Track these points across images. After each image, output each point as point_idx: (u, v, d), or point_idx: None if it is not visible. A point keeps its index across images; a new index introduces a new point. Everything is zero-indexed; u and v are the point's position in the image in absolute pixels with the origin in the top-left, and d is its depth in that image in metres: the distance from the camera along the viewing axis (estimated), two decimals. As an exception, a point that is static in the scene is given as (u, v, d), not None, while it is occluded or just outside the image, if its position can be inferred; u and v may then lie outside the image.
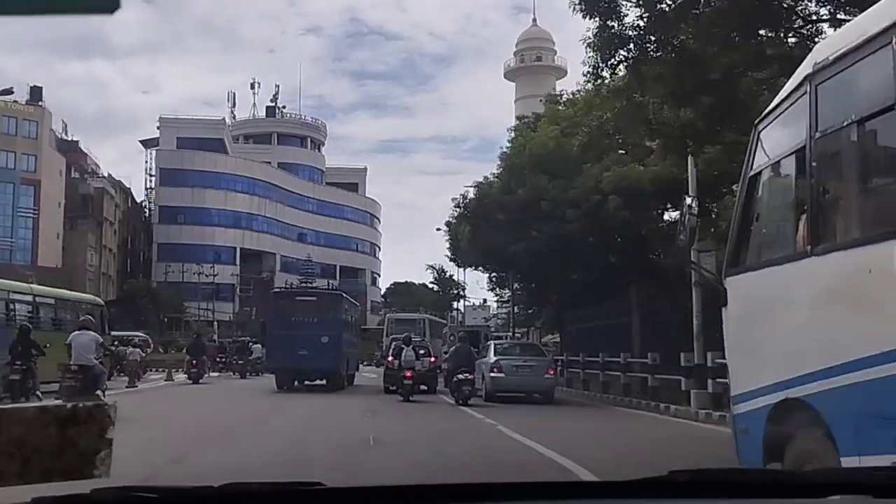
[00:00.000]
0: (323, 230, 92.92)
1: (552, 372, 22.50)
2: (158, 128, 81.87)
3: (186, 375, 30.58)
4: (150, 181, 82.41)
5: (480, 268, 29.67)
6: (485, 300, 73.91)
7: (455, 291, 65.97)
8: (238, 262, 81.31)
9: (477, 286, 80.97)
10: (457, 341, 27.49)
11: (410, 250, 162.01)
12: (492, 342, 25.72)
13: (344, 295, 27.98)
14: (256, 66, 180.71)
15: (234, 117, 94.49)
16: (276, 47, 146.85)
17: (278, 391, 23.48)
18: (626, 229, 20.43)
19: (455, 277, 67.04)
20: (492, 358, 21.88)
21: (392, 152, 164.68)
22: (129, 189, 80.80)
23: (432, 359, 24.69)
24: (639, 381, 18.45)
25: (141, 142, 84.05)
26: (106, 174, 75.39)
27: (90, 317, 17.52)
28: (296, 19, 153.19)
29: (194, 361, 30.42)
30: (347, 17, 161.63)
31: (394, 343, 24.43)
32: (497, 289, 36.24)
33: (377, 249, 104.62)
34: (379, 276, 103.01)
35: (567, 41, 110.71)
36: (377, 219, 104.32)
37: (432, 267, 67.58)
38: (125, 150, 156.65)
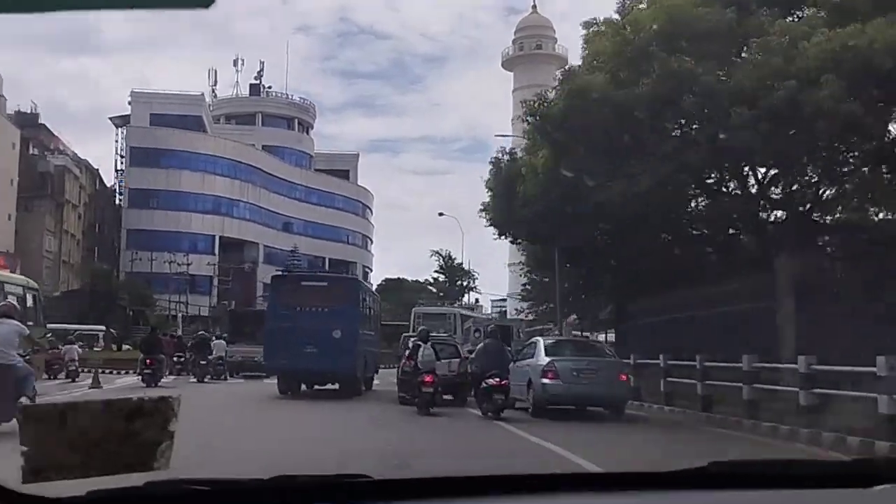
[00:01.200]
0: (311, 219, 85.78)
1: (625, 377, 16.77)
2: (130, 103, 74.42)
3: (140, 378, 24.88)
4: (121, 162, 75.11)
5: (531, 236, 22.03)
6: (477, 300, 66.62)
7: (464, 282, 58.83)
8: (217, 251, 74.04)
9: (507, 269, 70.59)
10: (483, 337, 22.06)
11: (399, 250, 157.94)
12: (539, 339, 19.21)
13: (361, 281, 23.84)
14: (246, 63, 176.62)
15: (214, 96, 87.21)
16: (266, 45, 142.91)
17: (256, 401, 19.21)
18: (856, 135, 12.75)
19: (465, 266, 60.25)
20: (542, 359, 16.75)
21: (381, 152, 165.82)
22: (97, 170, 73.46)
23: (459, 359, 18.77)
24: (821, 400, 11.35)
25: (111, 119, 76.57)
26: (70, 152, 67.95)
27: (13, 302, 13.60)
28: (286, 18, 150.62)
29: (148, 360, 24.60)
30: (338, 17, 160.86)
31: (410, 341, 18.70)
32: (533, 272, 29.31)
33: (369, 242, 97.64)
34: (371, 270, 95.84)
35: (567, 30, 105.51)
36: (369, 209, 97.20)
37: (438, 253, 60.24)
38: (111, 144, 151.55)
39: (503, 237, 23.63)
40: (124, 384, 26.77)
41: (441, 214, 58.71)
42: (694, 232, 20.11)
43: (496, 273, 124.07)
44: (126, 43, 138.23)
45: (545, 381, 16.12)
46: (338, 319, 19.83)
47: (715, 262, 16.34)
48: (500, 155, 20.91)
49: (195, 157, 73.02)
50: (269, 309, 21.95)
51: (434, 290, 61.77)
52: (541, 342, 18.24)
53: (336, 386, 20.84)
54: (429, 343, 17.15)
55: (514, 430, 13.53)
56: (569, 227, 17.90)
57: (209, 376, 27.12)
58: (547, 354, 17.21)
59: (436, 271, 61.89)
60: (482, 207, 22.86)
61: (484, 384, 15.64)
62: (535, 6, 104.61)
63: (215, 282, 72.36)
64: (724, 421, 13.56)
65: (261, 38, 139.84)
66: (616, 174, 14.49)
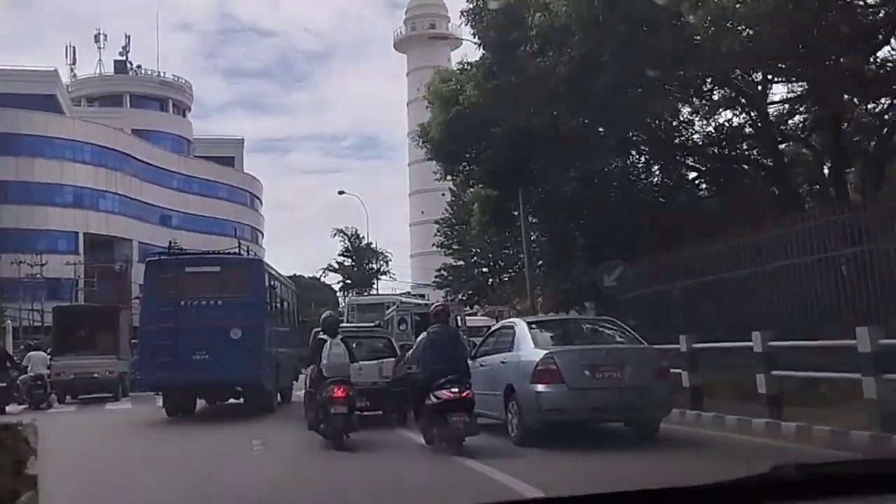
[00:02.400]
0: (192, 212, 76.61)
1: (666, 373, 10.62)
2: (-34, 81, 63.71)
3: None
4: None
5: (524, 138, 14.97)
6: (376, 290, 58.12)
7: (375, 265, 51.04)
8: (81, 250, 64.32)
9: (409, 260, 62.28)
10: (412, 327, 15.89)
11: (292, 249, 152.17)
12: (518, 320, 12.58)
13: (267, 263, 18.95)
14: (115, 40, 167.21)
15: (73, 76, 76.94)
16: (145, 44, 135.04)
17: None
18: None
19: (375, 246, 52.48)
20: (531, 352, 10.58)
21: (269, 151, 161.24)
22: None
23: (395, 359, 13.10)
24: None
25: (-53, 102, 65.58)
26: None
27: None
28: (164, 15, 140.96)
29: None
30: (219, 13, 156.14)
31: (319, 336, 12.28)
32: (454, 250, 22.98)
33: (260, 235, 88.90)
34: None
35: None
36: (258, 199, 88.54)
37: (342, 232, 52.26)
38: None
39: (454, 176, 16.91)
40: None
41: (341, 193, 51.00)
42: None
43: (397, 266, 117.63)
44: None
45: (541, 387, 10.03)
46: (237, 314, 15.92)
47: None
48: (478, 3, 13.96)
49: (50, 142, 63.00)
50: (143, 305, 17.45)
51: (339, 276, 53.75)
52: (522, 325, 11.53)
53: (241, 400, 17.16)
54: (339, 337, 11.46)
55: (493, 475, 8.07)
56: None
57: (27, 404, 19.12)
58: (538, 344, 10.66)
59: (340, 254, 53.88)
60: (420, 132, 16.23)
61: (432, 397, 9.86)
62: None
63: (81, 284, 62.78)
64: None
65: (138, 36, 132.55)
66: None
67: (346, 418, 10.70)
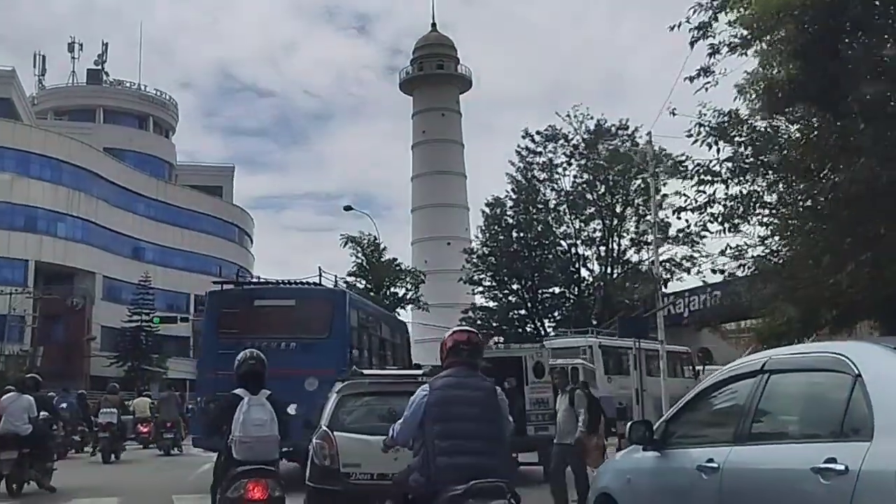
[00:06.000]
0: (169, 244, 66.55)
1: None
2: None
3: None
4: None
5: None
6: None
7: (398, 289, 38.61)
8: (31, 282, 53.92)
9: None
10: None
11: None
12: (872, 346, 1.79)
13: (354, 295, 16.42)
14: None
15: (42, 87, 67.53)
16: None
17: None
18: None
19: (400, 261, 40.22)
20: None
21: (265, 209, 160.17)
22: None
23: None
24: None
25: None
26: None
27: None
28: (166, 72, 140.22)
29: None
30: (220, 73, 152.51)
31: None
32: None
33: (248, 276, 78.51)
34: (251, 311, 76.60)
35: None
36: (248, 236, 78.51)
37: (352, 239, 39.62)
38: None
39: None
40: None
41: (348, 209, 39.57)
42: None
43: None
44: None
45: None
46: (315, 360, 13.48)
47: None
48: None
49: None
50: (202, 346, 15.24)
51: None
52: None
53: None
54: (264, 394, 6.76)
55: None
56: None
57: None
58: None
59: (350, 274, 38.50)
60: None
61: None
62: (434, 24, 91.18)
63: (29, 321, 52.27)
64: None
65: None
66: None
67: None
